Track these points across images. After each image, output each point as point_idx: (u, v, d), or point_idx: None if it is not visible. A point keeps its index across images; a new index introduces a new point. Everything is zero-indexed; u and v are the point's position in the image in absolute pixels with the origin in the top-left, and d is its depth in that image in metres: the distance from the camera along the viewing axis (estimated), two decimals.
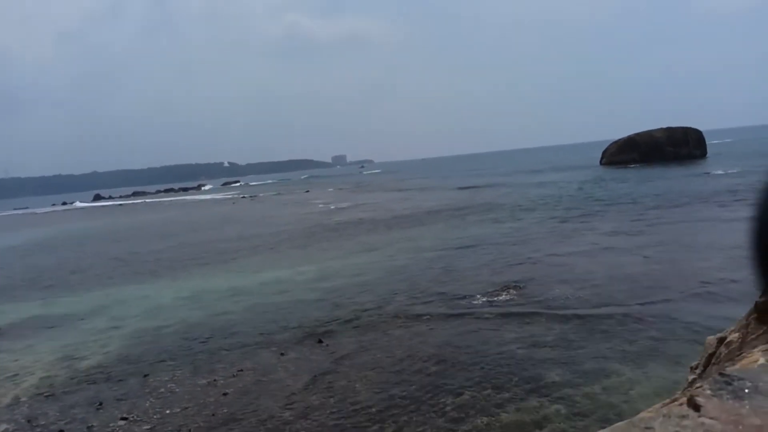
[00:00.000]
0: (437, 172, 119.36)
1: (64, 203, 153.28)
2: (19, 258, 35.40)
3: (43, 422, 9.55)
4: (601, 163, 69.76)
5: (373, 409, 8.68)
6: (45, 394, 10.87)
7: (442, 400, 8.72)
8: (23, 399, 10.73)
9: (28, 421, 9.63)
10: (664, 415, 1.17)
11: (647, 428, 1.14)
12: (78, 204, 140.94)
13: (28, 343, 14.74)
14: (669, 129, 64.94)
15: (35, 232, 56.95)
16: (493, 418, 7.99)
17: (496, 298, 14.22)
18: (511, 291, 14.69)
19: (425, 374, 9.87)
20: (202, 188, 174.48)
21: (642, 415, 1.29)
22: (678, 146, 63.74)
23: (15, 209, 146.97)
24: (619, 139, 69.32)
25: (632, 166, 60.69)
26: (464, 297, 14.68)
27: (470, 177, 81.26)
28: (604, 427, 1.57)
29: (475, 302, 14.12)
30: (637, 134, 66.74)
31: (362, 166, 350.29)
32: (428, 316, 13.38)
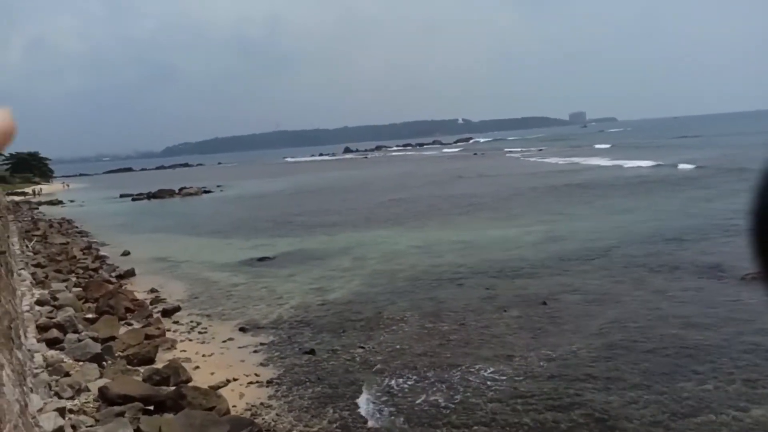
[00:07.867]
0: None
1: (321, 154, 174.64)
2: (286, 200, 41.66)
3: (299, 340, 11.30)
4: None
5: (600, 379, 8.29)
6: (300, 317, 12.82)
7: (680, 385, 7.89)
8: (285, 318, 12.82)
9: (289, 338, 11.50)
10: None
11: None
12: (330, 156, 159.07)
13: (290, 271, 17.46)
14: None
15: (299, 179, 66.09)
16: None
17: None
18: None
19: (660, 355, 9.02)
20: (437, 144, 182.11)
21: None
22: None
23: (285, 158, 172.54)
24: None
25: None
26: (717, 272, 12.86)
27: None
28: None
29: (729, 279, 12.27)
30: None
31: (584, 126, 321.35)
32: (670, 292, 12.10)
